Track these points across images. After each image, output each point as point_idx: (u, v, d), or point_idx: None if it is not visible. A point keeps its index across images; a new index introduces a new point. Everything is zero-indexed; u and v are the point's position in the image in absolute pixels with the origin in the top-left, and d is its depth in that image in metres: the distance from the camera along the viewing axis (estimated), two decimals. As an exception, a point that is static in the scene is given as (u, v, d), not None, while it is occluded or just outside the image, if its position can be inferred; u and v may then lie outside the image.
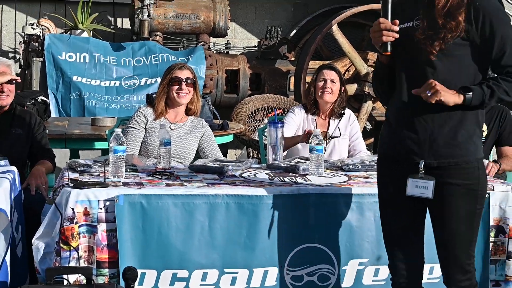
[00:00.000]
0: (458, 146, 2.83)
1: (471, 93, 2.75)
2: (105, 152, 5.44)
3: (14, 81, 4.21)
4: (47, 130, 4.56)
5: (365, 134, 8.74)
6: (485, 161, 4.51)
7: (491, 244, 3.54)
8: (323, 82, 4.73)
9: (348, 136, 4.81)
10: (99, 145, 5.58)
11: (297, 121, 4.79)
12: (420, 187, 2.85)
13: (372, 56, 7.99)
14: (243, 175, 3.74)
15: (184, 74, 4.40)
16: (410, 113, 2.88)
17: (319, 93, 4.74)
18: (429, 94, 2.73)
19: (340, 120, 4.79)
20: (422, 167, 2.83)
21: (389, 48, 2.85)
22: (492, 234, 3.54)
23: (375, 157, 4.11)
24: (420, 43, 2.82)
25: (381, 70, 3.03)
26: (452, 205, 2.86)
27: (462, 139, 2.83)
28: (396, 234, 3.00)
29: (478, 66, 2.83)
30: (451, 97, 2.75)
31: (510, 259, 3.55)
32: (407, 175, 2.87)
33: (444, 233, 2.91)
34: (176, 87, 4.37)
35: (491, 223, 3.53)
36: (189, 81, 4.38)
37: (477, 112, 2.85)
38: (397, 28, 2.83)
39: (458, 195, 2.85)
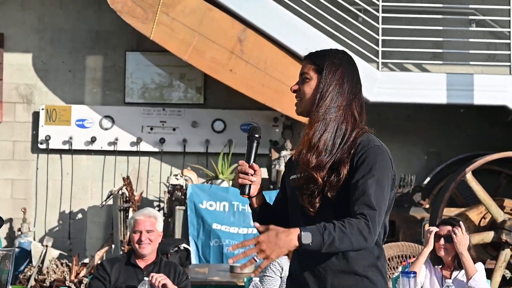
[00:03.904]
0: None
1: (308, 243, 2.50)
2: (242, 299, 5.62)
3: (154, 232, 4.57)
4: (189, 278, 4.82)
5: (505, 282, 8.51)
6: None
7: None
8: (437, 239, 4.78)
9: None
10: (237, 292, 5.77)
11: (421, 278, 4.80)
12: None
13: (509, 203, 7.91)
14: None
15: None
16: (304, 260, 2.78)
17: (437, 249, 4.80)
18: (256, 259, 2.57)
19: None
20: None
21: (246, 191, 2.82)
22: None
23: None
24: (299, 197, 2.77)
25: (252, 213, 2.94)
26: None
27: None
28: None
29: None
30: (281, 245, 2.51)
31: None
32: None
33: None
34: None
35: None
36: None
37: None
38: (252, 172, 2.81)
39: None
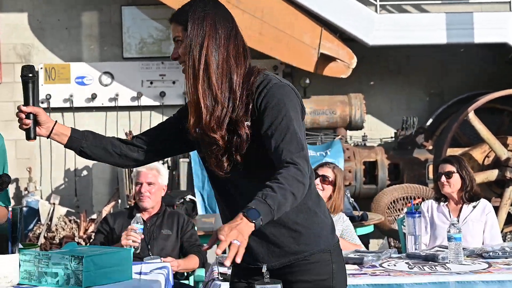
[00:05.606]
0: (296, 242, 2.55)
1: (259, 217, 2.27)
2: (250, 246, 5.66)
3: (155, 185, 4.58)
4: (196, 227, 4.86)
5: (510, 219, 8.56)
6: None
7: None
8: (439, 176, 4.83)
9: (484, 224, 4.77)
10: (244, 240, 5.81)
11: (426, 218, 4.84)
12: None
13: (512, 140, 7.93)
14: (383, 265, 3.84)
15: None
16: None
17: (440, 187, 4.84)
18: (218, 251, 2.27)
19: (475, 207, 4.78)
20: (265, 271, 2.48)
21: (31, 135, 2.60)
22: None
23: (518, 244, 4.12)
24: None
25: (79, 154, 2.73)
26: None
27: (297, 233, 2.55)
28: None
29: None
30: (243, 232, 2.25)
31: None
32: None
33: None
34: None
35: None
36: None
37: (306, 198, 2.51)
38: (24, 116, 2.59)
39: None
